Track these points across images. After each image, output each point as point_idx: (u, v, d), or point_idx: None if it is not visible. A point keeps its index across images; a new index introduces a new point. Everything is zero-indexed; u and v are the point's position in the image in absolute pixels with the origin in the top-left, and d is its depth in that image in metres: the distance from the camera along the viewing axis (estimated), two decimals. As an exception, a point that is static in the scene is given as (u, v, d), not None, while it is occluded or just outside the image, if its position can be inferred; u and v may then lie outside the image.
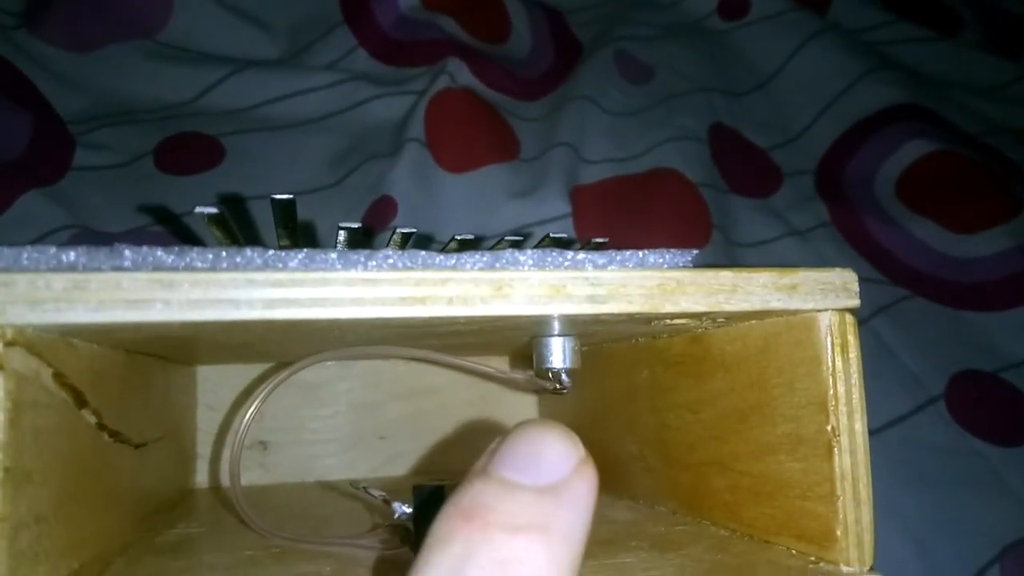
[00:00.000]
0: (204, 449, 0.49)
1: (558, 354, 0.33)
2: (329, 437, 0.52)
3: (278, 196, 0.24)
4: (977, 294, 0.67)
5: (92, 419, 0.27)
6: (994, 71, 0.82)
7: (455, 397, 0.54)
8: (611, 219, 0.63)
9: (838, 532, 0.24)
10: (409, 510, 0.26)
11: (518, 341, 0.36)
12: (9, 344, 0.19)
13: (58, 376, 0.23)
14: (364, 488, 0.28)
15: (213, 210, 0.22)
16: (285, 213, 0.25)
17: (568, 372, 0.33)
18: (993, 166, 0.73)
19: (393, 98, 0.64)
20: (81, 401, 0.25)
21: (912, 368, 0.62)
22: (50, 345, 0.22)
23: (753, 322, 0.28)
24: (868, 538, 0.24)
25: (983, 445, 0.59)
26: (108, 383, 0.28)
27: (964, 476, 0.58)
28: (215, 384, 0.50)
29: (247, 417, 0.30)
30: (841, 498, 0.24)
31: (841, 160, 0.73)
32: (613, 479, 0.42)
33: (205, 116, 0.59)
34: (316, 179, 0.59)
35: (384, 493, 0.27)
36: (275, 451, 0.51)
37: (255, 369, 0.49)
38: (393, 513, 0.26)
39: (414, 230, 0.27)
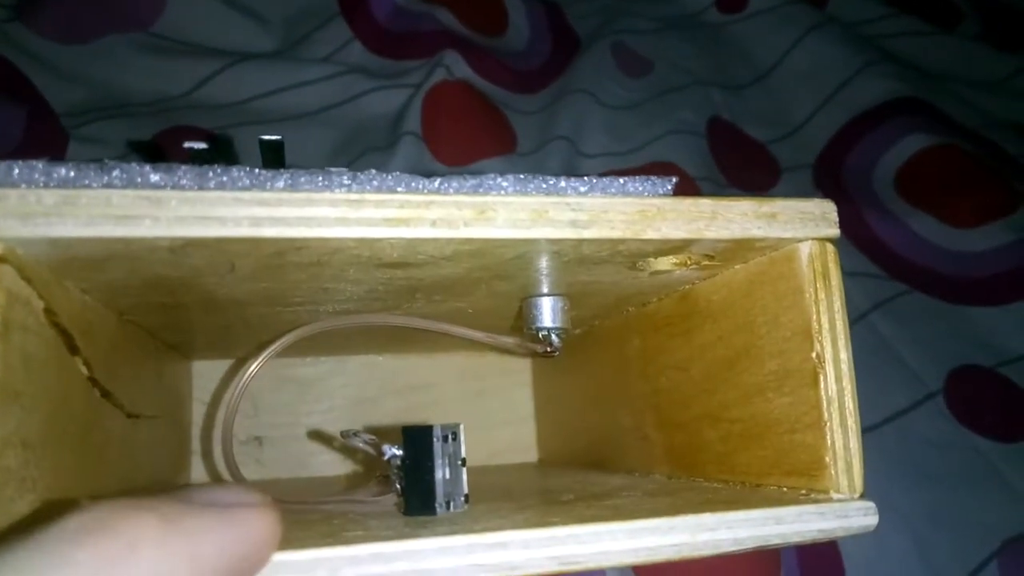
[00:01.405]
0: (196, 444, 0.49)
1: (547, 314, 0.33)
2: (324, 432, 0.52)
3: (266, 136, 0.24)
4: (976, 289, 0.67)
5: (83, 370, 0.27)
6: (994, 64, 0.83)
7: (449, 392, 0.54)
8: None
9: (827, 459, 0.24)
10: (399, 451, 0.26)
11: (509, 313, 0.36)
12: (0, 260, 0.20)
13: (49, 313, 0.23)
14: (354, 434, 0.28)
15: (202, 145, 0.23)
16: (273, 155, 0.25)
17: (558, 333, 0.33)
18: (992, 160, 0.73)
19: (389, 91, 0.64)
20: (72, 347, 0.25)
21: (910, 363, 0.62)
22: (42, 278, 0.22)
23: (738, 267, 0.29)
24: (857, 465, 0.24)
25: (981, 440, 0.59)
26: (99, 339, 0.28)
27: (962, 471, 0.58)
28: (209, 380, 0.50)
29: (250, 371, 0.30)
30: (828, 423, 0.24)
31: (840, 154, 0.73)
32: (607, 458, 0.42)
33: (200, 109, 0.59)
34: (312, 174, 0.59)
35: (374, 437, 0.27)
36: (271, 447, 0.51)
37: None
38: (384, 455, 0.26)
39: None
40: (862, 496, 0.24)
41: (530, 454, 0.55)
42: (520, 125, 0.67)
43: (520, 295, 0.33)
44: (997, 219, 0.70)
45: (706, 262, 0.28)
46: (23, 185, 0.20)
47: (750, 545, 0.23)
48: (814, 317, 0.25)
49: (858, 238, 0.68)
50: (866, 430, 0.57)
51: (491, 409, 0.54)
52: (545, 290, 0.32)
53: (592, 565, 0.21)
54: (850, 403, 0.24)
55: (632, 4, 0.78)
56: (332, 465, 0.51)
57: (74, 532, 0.15)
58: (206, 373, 0.50)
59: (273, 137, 0.24)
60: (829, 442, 0.24)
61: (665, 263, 0.27)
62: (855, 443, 0.24)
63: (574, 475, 0.41)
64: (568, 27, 0.77)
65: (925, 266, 0.68)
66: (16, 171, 0.19)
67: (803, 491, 0.25)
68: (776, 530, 0.23)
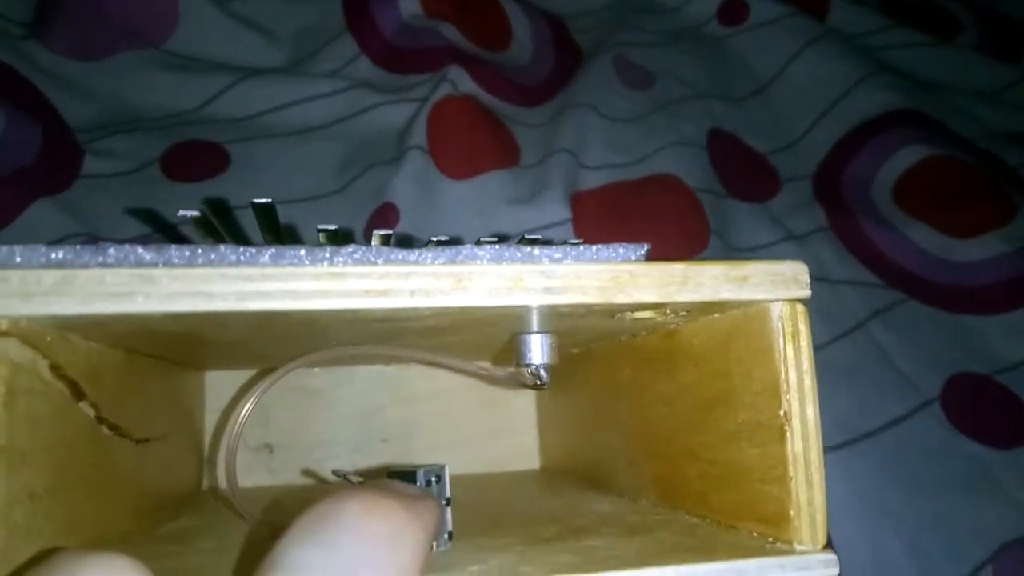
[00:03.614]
0: (213, 452, 0.51)
1: (536, 351, 0.34)
2: (333, 440, 0.53)
3: (257, 200, 0.25)
4: (973, 298, 0.67)
5: (90, 412, 0.28)
6: (992, 75, 0.82)
7: (456, 401, 0.55)
8: (610, 224, 0.64)
9: (791, 512, 0.25)
10: (385, 495, 0.27)
11: (499, 341, 0.37)
12: (3, 334, 0.21)
13: (55, 368, 0.25)
14: (344, 475, 0.29)
15: (195, 213, 0.24)
16: (266, 216, 0.27)
17: (546, 368, 0.34)
18: (990, 171, 0.73)
19: (395, 105, 0.65)
20: (79, 393, 0.27)
21: (907, 371, 0.62)
22: (46, 340, 0.24)
23: (716, 316, 0.30)
24: (820, 518, 0.25)
25: (978, 447, 0.60)
26: (106, 379, 0.30)
27: (958, 478, 0.59)
28: (223, 389, 0.51)
29: (243, 414, 0.32)
30: (793, 479, 0.25)
31: (839, 165, 0.74)
32: (601, 476, 0.43)
33: (211, 124, 0.61)
34: (320, 186, 0.60)
35: (362, 479, 0.28)
36: (281, 454, 0.53)
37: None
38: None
39: (391, 231, 0.29)
40: (825, 547, 0.25)
41: (533, 461, 0.56)
42: (524, 138, 0.68)
43: (509, 331, 0.34)
44: (994, 229, 0.70)
45: (684, 313, 0.29)
46: (24, 266, 0.21)
47: (713, 597, 0.24)
48: (783, 376, 0.26)
49: (856, 247, 0.69)
50: (863, 437, 0.59)
51: (495, 418, 0.56)
52: (534, 329, 0.33)
53: (557, 618, 0.22)
54: (815, 459, 0.25)
55: (634, 17, 0.79)
56: (340, 472, 0.53)
57: (355, 515, 0.19)
58: (219, 382, 0.51)
59: (264, 201, 0.25)
60: (794, 497, 0.25)
61: (644, 314, 0.28)
62: (819, 498, 0.25)
63: (567, 496, 0.42)
64: (571, 41, 0.77)
65: (923, 275, 0.68)
66: (18, 255, 0.21)
67: (770, 539, 0.27)
68: (738, 582, 0.24)
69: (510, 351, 0.36)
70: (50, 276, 0.21)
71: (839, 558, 0.57)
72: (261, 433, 0.52)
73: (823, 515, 0.25)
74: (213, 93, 0.62)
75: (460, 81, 0.66)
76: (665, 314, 0.28)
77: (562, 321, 0.30)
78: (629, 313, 0.28)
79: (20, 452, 0.22)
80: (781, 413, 0.26)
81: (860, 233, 0.69)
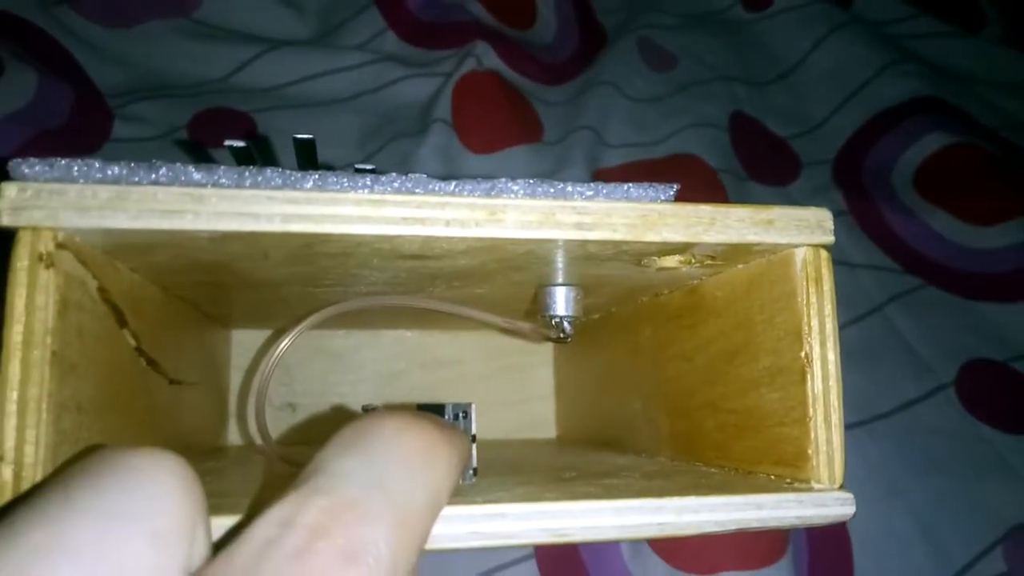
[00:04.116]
0: (237, 410, 0.52)
1: (561, 303, 0.35)
2: (355, 402, 0.54)
3: (299, 136, 0.26)
4: (991, 285, 0.68)
5: (131, 341, 0.29)
6: (1016, 67, 0.82)
7: (474, 369, 0.56)
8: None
9: (809, 451, 0.26)
10: (413, 428, 0.28)
11: (524, 299, 0.38)
12: (60, 246, 0.22)
13: (102, 291, 0.26)
14: (373, 409, 0.30)
15: (240, 143, 0.25)
16: (306, 152, 0.27)
17: (570, 320, 0.35)
18: (1011, 160, 0.74)
19: (420, 79, 0.66)
20: (122, 320, 0.28)
21: (923, 355, 0.63)
22: (96, 260, 0.25)
23: (740, 266, 0.30)
24: (838, 458, 0.26)
25: (991, 432, 0.61)
26: (146, 313, 0.31)
27: (971, 460, 0.59)
28: (247, 348, 0.53)
29: (279, 349, 0.33)
30: (812, 419, 0.26)
31: (860, 150, 0.74)
32: (619, 438, 0.44)
33: (237, 93, 0.62)
34: (344, 157, 0.61)
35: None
36: (304, 413, 0.54)
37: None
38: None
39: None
40: (841, 487, 0.26)
41: (549, 430, 0.57)
42: (546, 115, 0.68)
43: (535, 284, 0.35)
44: (1014, 218, 0.70)
45: (709, 261, 0.29)
46: (81, 181, 0.22)
47: (732, 527, 0.24)
48: (804, 319, 0.26)
49: (876, 233, 0.69)
50: (877, 418, 0.59)
51: (513, 386, 0.57)
52: (559, 280, 0.34)
53: (580, 539, 0.23)
54: (835, 401, 0.26)
55: (658, 0, 0.79)
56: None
57: (393, 431, 0.20)
58: (245, 341, 0.53)
59: (306, 136, 0.26)
60: (812, 436, 0.26)
61: (670, 261, 0.29)
62: (837, 438, 0.26)
63: (584, 453, 0.43)
64: (595, 21, 0.78)
65: (941, 262, 0.69)
66: (75, 169, 0.22)
67: (788, 480, 0.27)
68: (756, 515, 0.24)
69: (533, 314, 0.37)
70: (105, 191, 0.22)
71: (851, 533, 0.58)
72: (285, 392, 0.53)
73: (841, 455, 0.26)
74: (240, 63, 0.63)
75: (485, 56, 0.67)
76: (690, 262, 0.29)
77: (588, 268, 0.31)
78: (656, 259, 0.29)
79: (70, 362, 0.23)
80: (802, 355, 0.26)
81: (879, 218, 0.70)
